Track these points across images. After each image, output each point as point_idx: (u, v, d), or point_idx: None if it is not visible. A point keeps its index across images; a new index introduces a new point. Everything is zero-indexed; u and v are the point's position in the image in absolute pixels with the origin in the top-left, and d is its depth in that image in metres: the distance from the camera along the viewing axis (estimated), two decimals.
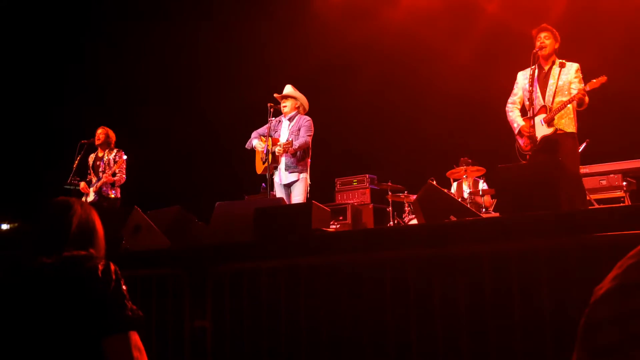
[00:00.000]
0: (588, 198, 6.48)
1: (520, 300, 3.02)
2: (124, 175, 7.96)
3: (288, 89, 7.05)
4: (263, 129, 7.04)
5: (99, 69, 11.73)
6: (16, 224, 11.42)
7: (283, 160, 6.77)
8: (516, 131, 5.92)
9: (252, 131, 7.16)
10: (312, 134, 6.84)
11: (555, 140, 5.64)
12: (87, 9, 11.54)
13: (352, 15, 10.67)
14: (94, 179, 7.91)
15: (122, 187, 8.09)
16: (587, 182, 6.97)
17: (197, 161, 11.63)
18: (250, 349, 3.85)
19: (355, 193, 9.45)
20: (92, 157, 8.13)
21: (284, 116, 7.02)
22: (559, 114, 5.62)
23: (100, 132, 8.07)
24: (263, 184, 7.81)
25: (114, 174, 7.83)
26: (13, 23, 11.58)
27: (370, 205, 9.20)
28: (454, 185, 9.11)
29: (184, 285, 4.16)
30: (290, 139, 6.66)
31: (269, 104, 6.92)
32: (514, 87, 6.08)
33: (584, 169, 6.91)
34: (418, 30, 10.08)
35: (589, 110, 5.66)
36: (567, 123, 5.68)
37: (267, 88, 7.52)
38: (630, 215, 2.99)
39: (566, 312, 2.84)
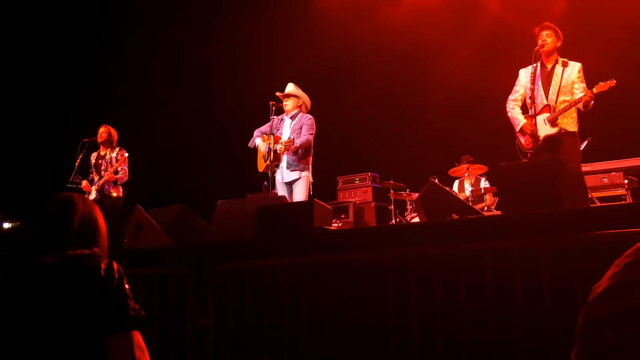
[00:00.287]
0: (590, 196, 6.48)
1: (522, 298, 3.02)
2: (127, 174, 7.97)
3: (290, 88, 7.06)
4: (265, 127, 7.04)
5: (101, 67, 11.74)
6: (18, 223, 11.43)
7: (285, 159, 6.77)
8: (517, 129, 5.91)
9: (255, 129, 7.17)
10: (313, 132, 6.84)
11: (558, 139, 5.64)
12: (90, 7, 11.54)
13: (354, 14, 10.66)
14: (96, 178, 7.92)
15: (124, 186, 8.09)
16: (589, 180, 6.98)
17: (199, 159, 11.63)
18: (252, 346, 3.85)
19: (357, 191, 9.45)
20: (94, 155, 8.14)
21: (286, 114, 7.02)
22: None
23: (103, 131, 8.07)
24: (265, 182, 7.82)
25: (116, 172, 7.84)
26: (17, 22, 11.59)
27: (372, 204, 9.21)
28: (456, 183, 9.11)
29: (186, 283, 4.17)
30: (292, 137, 6.67)
31: (271, 102, 6.92)
32: (516, 84, 6.06)
33: (585, 167, 6.91)
34: (420, 28, 10.08)
35: (590, 109, 5.66)
36: (569, 122, 5.67)
37: (269, 86, 7.52)
38: (632, 213, 2.99)
39: (568, 310, 2.84)
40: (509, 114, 6.03)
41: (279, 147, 6.66)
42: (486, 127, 8.71)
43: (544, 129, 5.68)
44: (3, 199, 11.29)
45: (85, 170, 8.06)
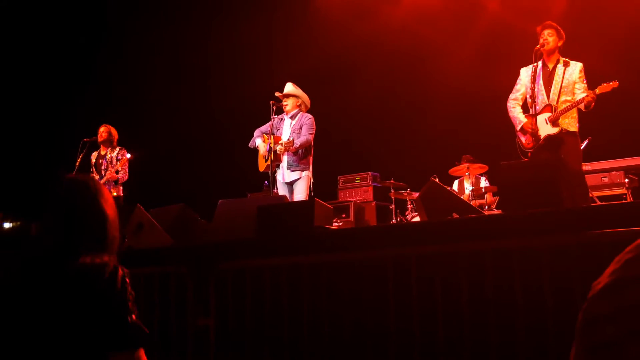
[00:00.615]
0: (590, 195, 6.48)
1: (523, 297, 3.02)
2: (127, 174, 7.98)
3: (289, 88, 7.06)
4: (265, 127, 7.05)
5: (101, 67, 11.74)
6: (18, 223, 11.44)
7: (285, 159, 6.78)
8: (518, 128, 5.91)
9: (255, 129, 7.17)
10: (314, 132, 6.84)
11: (559, 139, 5.64)
12: (90, 7, 11.54)
13: (354, 13, 10.66)
14: (97, 177, 7.92)
15: (125, 185, 8.10)
16: (589, 179, 6.98)
17: (200, 159, 11.63)
18: (253, 346, 3.86)
19: (358, 191, 9.46)
20: (94, 155, 8.14)
21: (286, 114, 7.02)
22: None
23: (103, 130, 8.08)
24: (266, 182, 7.82)
25: (116, 172, 7.85)
26: (17, 22, 11.60)
27: (373, 203, 9.22)
28: (456, 182, 9.11)
29: (186, 282, 4.17)
30: (292, 138, 6.67)
31: (271, 102, 6.93)
32: (517, 83, 6.06)
33: (586, 166, 6.91)
34: (420, 27, 10.08)
35: (591, 109, 5.66)
36: (570, 122, 5.67)
37: (269, 86, 7.52)
38: (632, 212, 2.99)
39: (568, 309, 2.84)
40: (510, 113, 6.03)
41: (279, 147, 6.66)
42: (486, 126, 8.71)
43: (545, 129, 5.67)
44: (3, 198, 11.30)
45: (85, 170, 8.05)
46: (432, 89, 9.90)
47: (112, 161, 7.92)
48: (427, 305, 3.28)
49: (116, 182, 7.90)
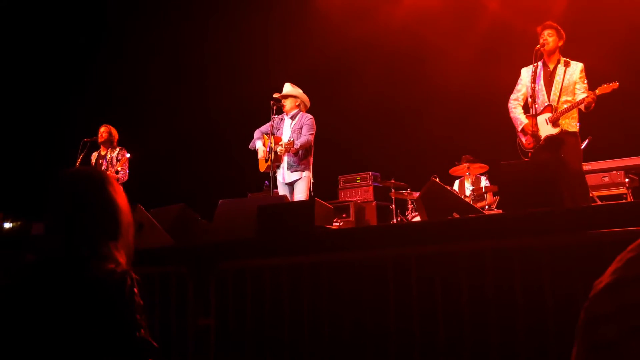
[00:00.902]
0: (590, 195, 6.48)
1: (523, 297, 3.02)
2: (126, 174, 7.98)
3: (287, 88, 7.05)
4: (266, 127, 7.05)
5: (101, 67, 11.74)
6: (19, 223, 11.44)
7: (285, 159, 6.78)
8: (519, 128, 5.91)
9: (255, 129, 7.17)
10: (314, 132, 6.84)
11: (559, 139, 5.64)
12: (91, 6, 11.54)
13: (354, 13, 10.66)
14: None
15: (125, 186, 8.09)
16: (590, 179, 6.98)
17: (200, 159, 11.63)
18: (253, 346, 3.85)
19: (358, 190, 9.46)
20: (94, 155, 8.15)
21: (286, 114, 7.02)
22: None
23: (103, 131, 8.09)
24: (266, 182, 7.82)
25: (116, 172, 7.85)
26: (18, 22, 11.60)
27: (373, 203, 9.22)
28: (456, 182, 9.11)
29: (187, 282, 4.17)
30: (292, 139, 6.66)
31: (271, 102, 6.93)
32: (518, 83, 6.05)
33: (586, 166, 6.91)
34: (420, 27, 10.07)
35: (591, 110, 5.65)
36: (570, 122, 5.68)
37: (270, 86, 7.53)
38: (633, 211, 2.99)
39: (569, 309, 2.84)
40: (511, 113, 6.02)
41: (279, 149, 6.66)
42: (486, 126, 8.71)
43: (546, 129, 5.68)
44: (4, 199, 11.30)
45: None
46: (432, 88, 9.90)
47: (112, 161, 7.92)
48: (428, 305, 3.28)
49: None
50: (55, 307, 1.83)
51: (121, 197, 2.07)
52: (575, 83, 5.71)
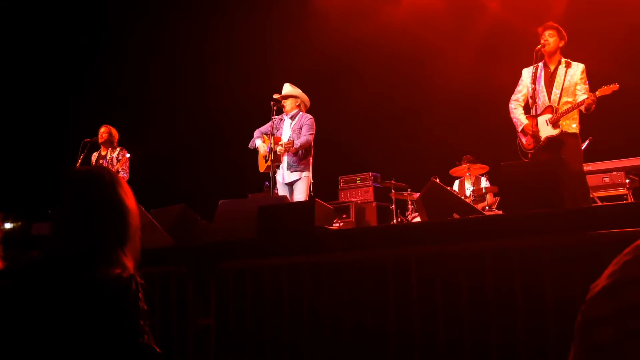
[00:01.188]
0: (591, 196, 6.48)
1: (523, 298, 3.01)
2: (127, 174, 7.99)
3: (287, 89, 7.05)
4: (265, 127, 7.05)
5: (101, 67, 11.74)
6: (19, 223, 11.43)
7: (285, 159, 6.78)
8: (519, 129, 5.91)
9: (255, 129, 7.18)
10: (313, 132, 6.84)
11: (559, 140, 5.64)
12: (91, 6, 11.54)
13: (354, 13, 10.65)
14: None
15: None
16: (590, 180, 6.98)
17: (200, 159, 11.63)
18: (253, 346, 3.85)
19: (359, 191, 9.46)
20: (95, 155, 8.16)
21: (286, 115, 7.03)
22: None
23: (104, 131, 8.10)
24: (266, 183, 7.82)
25: (117, 172, 7.86)
26: (18, 22, 11.60)
27: (374, 203, 9.22)
28: (456, 183, 9.11)
29: (187, 283, 4.17)
30: (292, 139, 6.66)
31: (271, 102, 6.93)
32: (519, 84, 6.05)
33: (586, 167, 6.91)
34: (420, 27, 10.07)
35: (592, 111, 5.65)
36: (570, 123, 5.68)
37: (269, 86, 7.53)
38: (633, 212, 2.99)
39: (569, 310, 2.83)
40: (512, 114, 6.02)
41: (279, 148, 6.66)
42: (487, 126, 8.71)
43: (546, 130, 5.68)
44: (4, 199, 11.30)
45: None
46: (432, 89, 9.90)
47: (113, 161, 7.94)
48: (428, 306, 3.27)
49: None
50: (59, 310, 1.80)
51: (131, 200, 2.05)
52: (576, 84, 5.70)
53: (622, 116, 7.97)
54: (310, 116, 6.93)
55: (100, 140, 8.09)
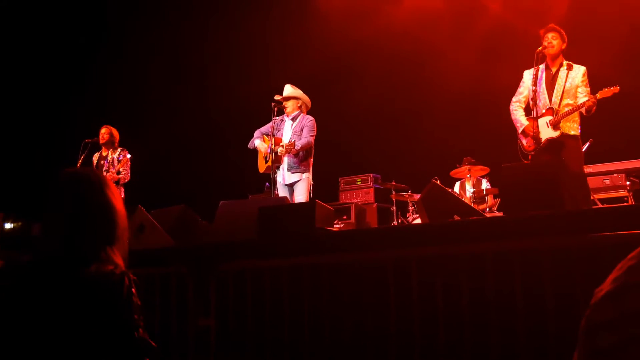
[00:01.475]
0: (591, 198, 6.48)
1: (524, 299, 3.01)
2: (128, 174, 8.01)
3: (288, 90, 7.05)
4: (266, 128, 7.05)
5: (102, 67, 11.74)
6: (20, 224, 11.43)
7: (285, 160, 6.78)
8: (520, 131, 5.91)
9: (256, 130, 7.17)
10: (314, 134, 6.84)
11: (560, 142, 5.64)
12: (92, 8, 11.55)
13: (355, 15, 10.65)
14: None
15: (126, 186, 8.11)
16: (591, 182, 6.97)
17: (201, 160, 11.63)
18: (254, 347, 3.85)
19: (359, 192, 9.46)
20: (96, 156, 8.18)
21: (287, 116, 7.02)
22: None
23: (105, 132, 8.11)
24: (267, 183, 7.82)
25: (118, 173, 7.87)
26: (18, 22, 11.61)
27: (374, 205, 9.22)
28: (457, 184, 9.11)
29: (187, 283, 4.17)
30: (293, 140, 6.66)
31: (272, 104, 6.92)
32: (520, 85, 6.05)
33: (587, 169, 6.91)
34: (421, 29, 10.07)
35: (592, 113, 5.65)
36: (571, 126, 5.68)
37: (270, 87, 7.53)
38: (634, 214, 2.99)
39: (569, 312, 2.84)
40: (513, 115, 6.03)
41: (279, 149, 6.66)
42: (487, 128, 8.71)
43: (546, 132, 5.68)
44: (5, 199, 11.30)
45: None
46: (433, 90, 9.90)
47: (114, 162, 7.95)
48: (428, 308, 3.27)
49: (117, 182, 7.92)
50: (54, 307, 1.84)
51: (118, 201, 2.09)
52: (577, 86, 5.71)
53: (623, 118, 7.97)
54: (312, 117, 6.93)
55: (101, 142, 8.11)
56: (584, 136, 5.88)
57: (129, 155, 8.01)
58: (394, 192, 8.96)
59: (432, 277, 3.29)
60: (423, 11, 10.12)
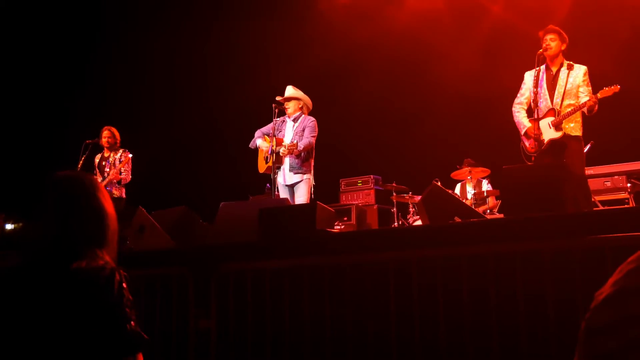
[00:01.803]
0: (592, 200, 6.47)
1: (525, 301, 3.01)
2: (129, 175, 8.02)
3: (289, 91, 7.05)
4: (267, 128, 7.05)
5: (103, 68, 11.75)
6: (21, 224, 11.44)
7: (287, 161, 6.77)
8: (522, 132, 5.90)
9: (256, 131, 7.17)
10: (316, 134, 6.84)
11: (562, 143, 5.64)
12: (93, 8, 11.56)
13: (357, 16, 10.66)
14: (100, 179, 7.95)
15: (127, 187, 8.12)
16: (592, 184, 6.96)
17: (202, 161, 11.64)
18: (254, 348, 3.85)
19: (360, 194, 9.46)
20: (98, 157, 8.20)
21: (288, 117, 7.03)
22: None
23: (107, 134, 8.12)
24: (267, 185, 7.82)
25: (120, 173, 7.89)
26: (19, 22, 11.62)
27: (375, 206, 9.21)
28: (458, 186, 9.10)
29: (188, 285, 4.17)
30: (295, 141, 6.66)
31: (273, 105, 6.92)
32: (521, 87, 6.05)
33: (588, 171, 6.90)
34: (422, 30, 10.07)
35: (594, 113, 5.65)
36: (574, 126, 5.67)
37: (271, 88, 7.53)
38: (635, 216, 2.98)
39: (571, 314, 2.83)
40: (515, 117, 6.02)
41: (282, 150, 6.66)
42: (488, 130, 8.71)
43: (548, 133, 5.67)
44: (6, 200, 11.31)
45: (88, 171, 8.05)
46: (434, 92, 9.90)
47: (115, 163, 7.97)
48: (429, 309, 3.27)
49: (119, 182, 7.95)
50: (47, 303, 1.88)
51: (109, 205, 2.12)
52: (578, 86, 5.70)
53: (624, 120, 7.97)
54: (313, 118, 6.93)
55: (102, 143, 8.13)
56: (586, 137, 5.87)
57: (130, 156, 8.02)
58: (394, 194, 8.95)
59: (433, 278, 3.29)
60: (424, 13, 10.12)
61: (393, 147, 10.47)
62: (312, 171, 6.88)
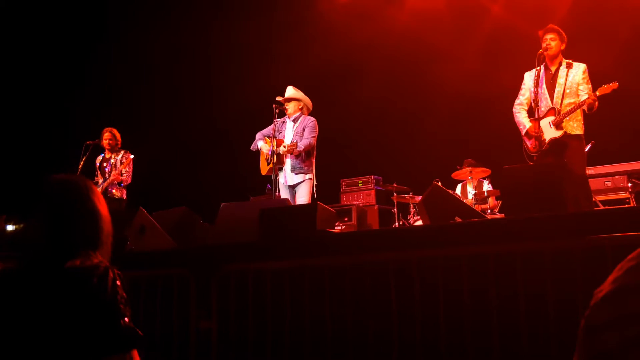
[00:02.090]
0: (593, 199, 6.47)
1: (525, 301, 3.01)
2: (130, 176, 8.02)
3: (290, 92, 7.06)
4: (267, 130, 7.06)
5: (104, 69, 11.75)
6: (21, 225, 11.43)
7: (288, 162, 6.78)
8: (523, 132, 5.90)
9: (257, 132, 7.18)
10: (316, 134, 6.84)
11: (563, 142, 5.63)
12: (94, 9, 11.56)
13: (357, 17, 10.66)
14: (101, 180, 7.96)
15: (128, 188, 8.12)
16: (592, 184, 6.96)
17: (203, 162, 11.64)
18: (255, 349, 3.85)
19: (361, 194, 9.46)
20: (99, 158, 8.19)
21: (289, 117, 7.03)
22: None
23: (107, 136, 8.12)
24: (268, 185, 7.82)
25: (121, 174, 7.89)
26: (20, 23, 11.62)
27: (376, 207, 9.21)
28: (459, 186, 9.10)
29: (189, 285, 4.17)
30: (295, 141, 6.67)
31: (273, 105, 6.93)
32: (521, 87, 6.05)
33: (589, 170, 6.89)
34: (423, 31, 10.07)
35: (595, 111, 5.64)
36: (575, 125, 5.66)
37: (272, 88, 7.53)
38: (636, 216, 2.98)
39: (571, 313, 2.83)
40: (516, 118, 6.03)
41: (282, 149, 6.66)
42: (489, 130, 8.71)
43: (549, 132, 5.67)
44: (6, 201, 11.31)
45: (88, 173, 8.07)
46: (435, 92, 9.90)
47: (117, 164, 7.97)
48: (430, 310, 3.27)
49: (120, 183, 7.95)
50: (41, 301, 1.90)
51: (104, 207, 2.15)
52: (578, 84, 5.70)
53: (625, 120, 7.96)
54: (313, 118, 6.93)
55: (104, 144, 8.13)
56: (586, 137, 5.86)
57: (132, 157, 8.02)
58: (395, 194, 8.95)
59: (434, 279, 3.29)
60: (424, 13, 10.12)
61: (394, 147, 10.47)
62: (314, 171, 6.88)
